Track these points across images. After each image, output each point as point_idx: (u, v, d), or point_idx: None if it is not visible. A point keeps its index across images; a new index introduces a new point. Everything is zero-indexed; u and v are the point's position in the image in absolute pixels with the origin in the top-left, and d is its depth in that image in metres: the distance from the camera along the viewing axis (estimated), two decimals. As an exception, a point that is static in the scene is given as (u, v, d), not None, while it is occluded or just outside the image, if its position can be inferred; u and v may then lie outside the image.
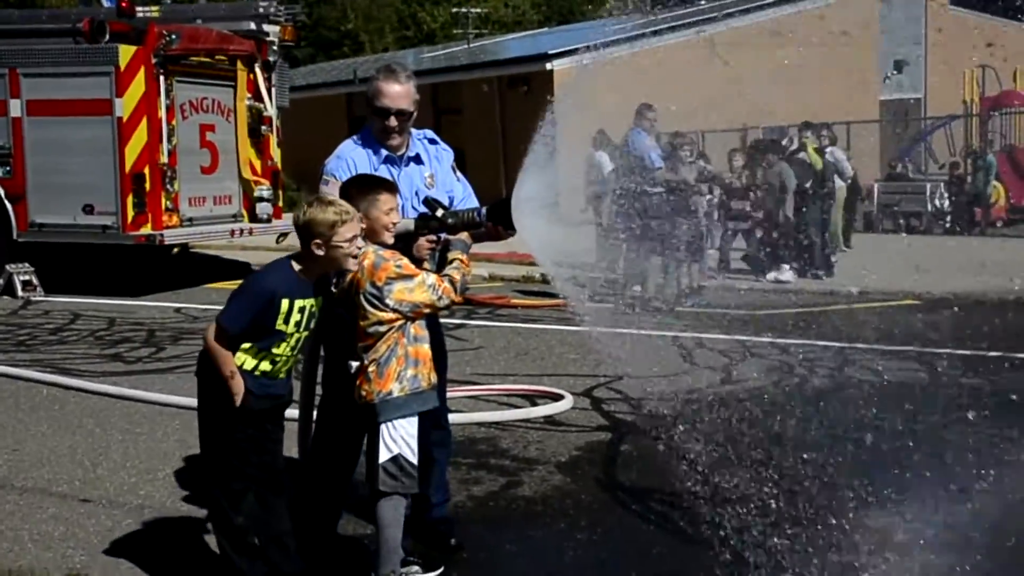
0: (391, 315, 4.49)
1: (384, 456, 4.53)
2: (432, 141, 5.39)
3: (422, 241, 4.67)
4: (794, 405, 8.03)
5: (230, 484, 4.59)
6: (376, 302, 4.47)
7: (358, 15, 64.70)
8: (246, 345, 4.44)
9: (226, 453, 4.57)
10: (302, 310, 4.46)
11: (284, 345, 4.48)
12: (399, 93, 5.07)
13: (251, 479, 4.59)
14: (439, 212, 4.68)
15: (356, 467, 5.15)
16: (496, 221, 4.78)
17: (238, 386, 4.40)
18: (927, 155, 25.89)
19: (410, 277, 4.50)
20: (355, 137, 5.24)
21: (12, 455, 6.92)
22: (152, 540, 5.46)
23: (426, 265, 4.71)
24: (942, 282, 13.59)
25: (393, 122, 5.06)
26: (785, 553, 5.15)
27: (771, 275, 14.27)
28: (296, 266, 4.47)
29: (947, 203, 20.97)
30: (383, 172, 5.08)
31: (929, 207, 21.01)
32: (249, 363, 4.46)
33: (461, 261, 4.66)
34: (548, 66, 27.50)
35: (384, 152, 5.13)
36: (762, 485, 6.16)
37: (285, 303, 4.40)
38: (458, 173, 5.44)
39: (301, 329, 4.50)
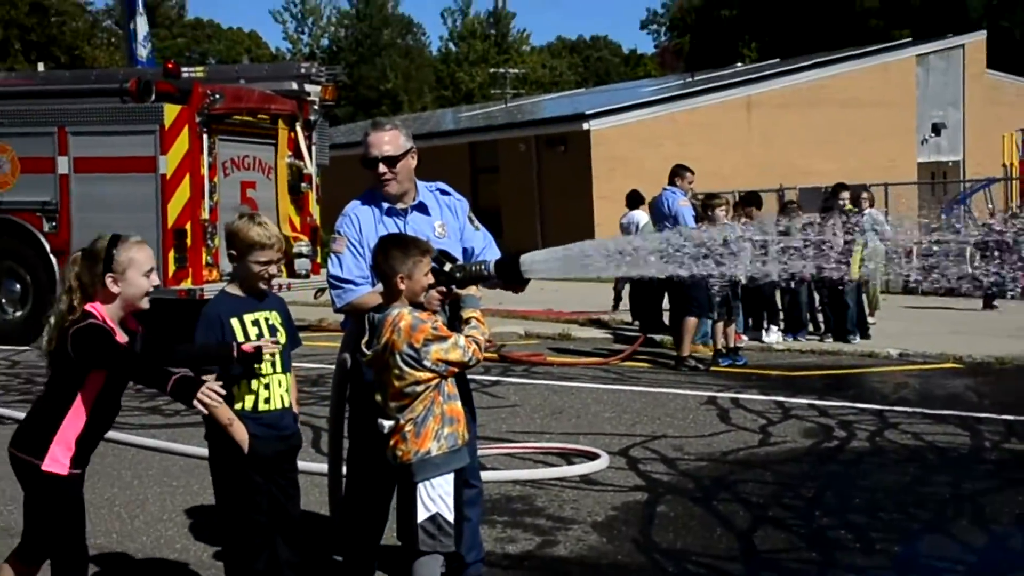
0: (428, 375, 4.51)
1: (422, 515, 4.53)
2: (444, 192, 5.41)
3: (432, 293, 4.65)
4: (833, 467, 7.99)
5: (244, 535, 4.65)
6: (413, 363, 4.49)
7: (397, 75, 65.51)
8: (235, 387, 4.58)
9: (239, 504, 4.64)
10: (255, 322, 4.67)
11: (263, 363, 4.62)
12: (382, 139, 5.11)
13: (263, 529, 4.64)
14: (447, 266, 4.72)
15: (387, 523, 5.18)
16: (503, 276, 4.84)
17: (240, 432, 4.54)
18: (967, 218, 25.75)
19: (445, 338, 4.53)
20: (363, 194, 5.28)
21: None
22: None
23: (437, 317, 4.72)
24: (983, 345, 13.49)
25: (382, 168, 5.09)
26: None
27: (765, 338, 14.16)
28: (230, 289, 4.77)
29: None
30: (389, 223, 5.13)
31: (970, 270, 20.76)
32: (248, 401, 4.61)
33: (476, 319, 4.68)
34: (585, 126, 27.72)
35: (386, 205, 5.17)
36: (800, 549, 6.13)
37: (234, 321, 4.62)
38: (476, 223, 5.44)
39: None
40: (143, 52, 20.80)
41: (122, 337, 4.33)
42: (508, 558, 5.93)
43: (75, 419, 4.26)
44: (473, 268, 4.84)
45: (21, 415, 9.39)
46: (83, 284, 4.29)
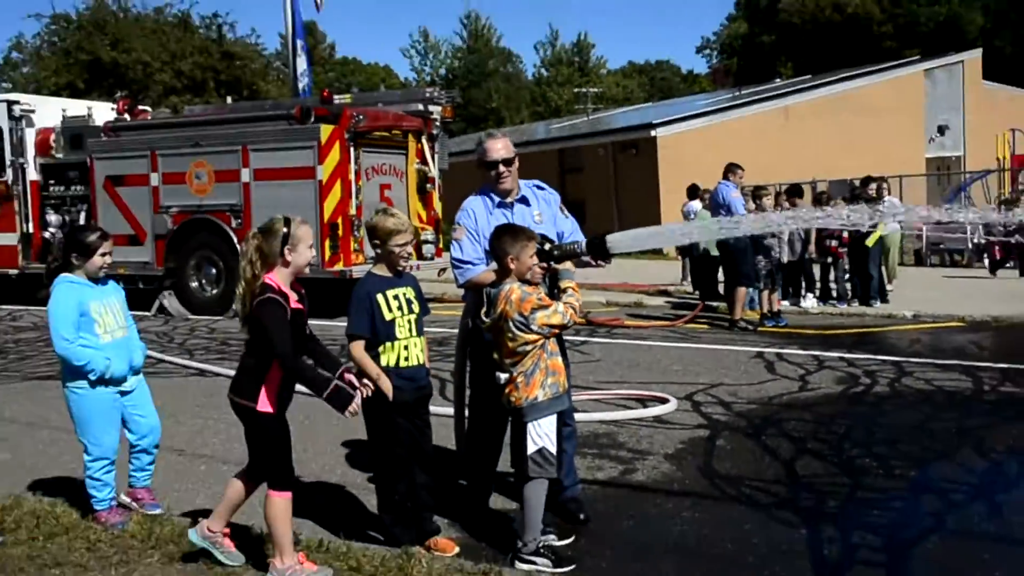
0: (535, 336, 4.54)
1: (531, 448, 4.57)
2: (539, 187, 5.43)
3: (535, 268, 4.67)
4: (860, 408, 7.83)
5: (390, 465, 4.72)
6: (523, 327, 4.52)
7: (500, 96, 65.47)
8: (381, 348, 4.60)
9: (386, 440, 4.70)
10: (396, 297, 4.69)
11: (402, 328, 4.65)
12: (499, 146, 5.19)
13: (404, 460, 4.70)
14: (546, 246, 4.73)
15: (500, 455, 5.22)
16: (593, 252, 4.83)
17: (386, 385, 4.59)
18: (967, 203, 24.99)
19: (547, 306, 4.54)
20: (477, 192, 5.31)
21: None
22: (343, 506, 5.58)
23: (540, 289, 4.71)
24: (983, 307, 13.10)
25: (502, 168, 5.15)
26: (852, 527, 5.02)
27: (803, 303, 13.85)
28: (376, 270, 4.76)
29: (983, 242, 20.14)
30: (498, 214, 5.16)
31: (969, 245, 20.22)
32: (391, 358, 4.64)
33: (572, 289, 4.67)
34: (652, 133, 27.40)
35: (497, 199, 5.21)
36: (834, 475, 6.03)
37: (380, 297, 4.64)
38: (565, 212, 5.45)
39: (405, 312, 4.70)
40: (302, 84, 21.09)
41: (293, 296, 4.40)
42: (597, 483, 5.95)
43: (275, 370, 4.35)
44: (567, 247, 4.86)
45: (217, 369, 9.73)
46: (263, 255, 4.36)
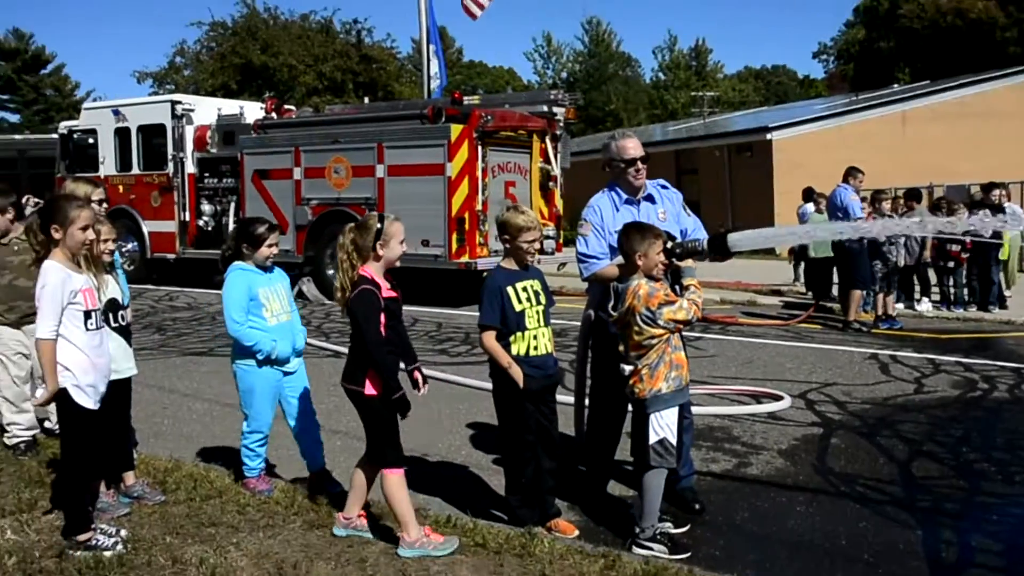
0: (660, 331, 4.50)
1: (653, 438, 4.53)
2: (663, 187, 5.39)
3: (658, 264, 4.63)
4: (977, 413, 7.48)
5: (518, 449, 4.73)
6: (650, 322, 4.49)
7: (619, 99, 64.99)
8: (512, 338, 4.62)
9: (516, 426, 4.71)
10: (525, 289, 4.69)
11: (531, 319, 4.66)
12: (637, 144, 5.19)
13: (532, 445, 4.70)
14: (668, 244, 4.67)
15: (619, 443, 5.18)
16: (714, 250, 4.77)
17: (517, 373, 4.61)
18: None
19: (673, 302, 4.50)
20: (604, 190, 5.28)
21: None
22: (468, 485, 5.64)
23: (665, 284, 4.65)
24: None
25: (640, 165, 5.12)
26: (970, 530, 4.80)
27: (918, 307, 13.26)
28: (505, 264, 4.77)
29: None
30: (625, 211, 5.13)
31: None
32: (521, 348, 4.65)
33: (695, 286, 4.61)
34: (768, 136, 26.75)
35: (624, 196, 5.17)
36: (951, 478, 5.78)
37: (510, 289, 4.64)
38: (688, 211, 5.40)
39: (534, 303, 4.70)
40: (435, 85, 21.36)
41: (385, 285, 4.48)
42: (712, 474, 5.86)
43: None
44: (689, 244, 4.82)
45: (334, 347, 9.93)
46: (358, 248, 4.46)
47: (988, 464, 6.01)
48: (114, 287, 4.95)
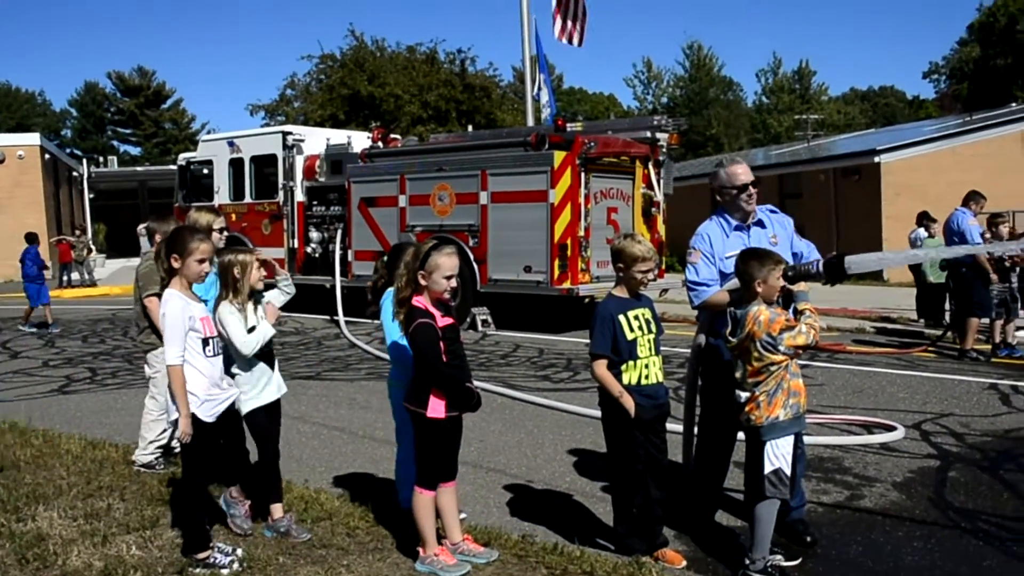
0: (781, 357, 4.41)
1: (768, 468, 4.44)
2: (773, 211, 5.32)
3: (778, 290, 4.53)
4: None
5: (627, 478, 4.68)
6: (771, 347, 4.41)
7: (720, 123, 64.34)
8: (624, 366, 4.58)
9: (625, 455, 4.66)
10: (636, 317, 4.66)
11: (642, 348, 4.63)
12: (747, 170, 5.13)
13: (641, 475, 4.65)
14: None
15: (728, 472, 5.07)
16: (829, 273, 4.71)
17: (628, 402, 4.56)
18: None
19: (793, 327, 4.41)
20: (712, 217, 5.22)
21: (479, 445, 7.28)
22: (573, 512, 5.59)
23: (785, 311, 4.56)
24: None
25: (752, 189, 5.06)
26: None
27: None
28: (616, 292, 4.74)
29: None
30: (735, 237, 5.06)
31: None
32: (633, 376, 4.61)
33: (810, 310, 4.50)
34: (876, 159, 26.00)
35: (734, 222, 5.11)
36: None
37: (622, 318, 4.62)
38: (799, 236, 5.33)
39: (645, 332, 4.66)
40: (545, 115, 21.47)
41: (438, 313, 4.49)
42: (823, 506, 5.69)
43: None
44: (803, 268, 4.76)
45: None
46: (409, 273, 4.49)
47: (1122, 503, 5.66)
48: (252, 316, 4.95)
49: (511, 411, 8.62)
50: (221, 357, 4.70)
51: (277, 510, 5.07)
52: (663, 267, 15.22)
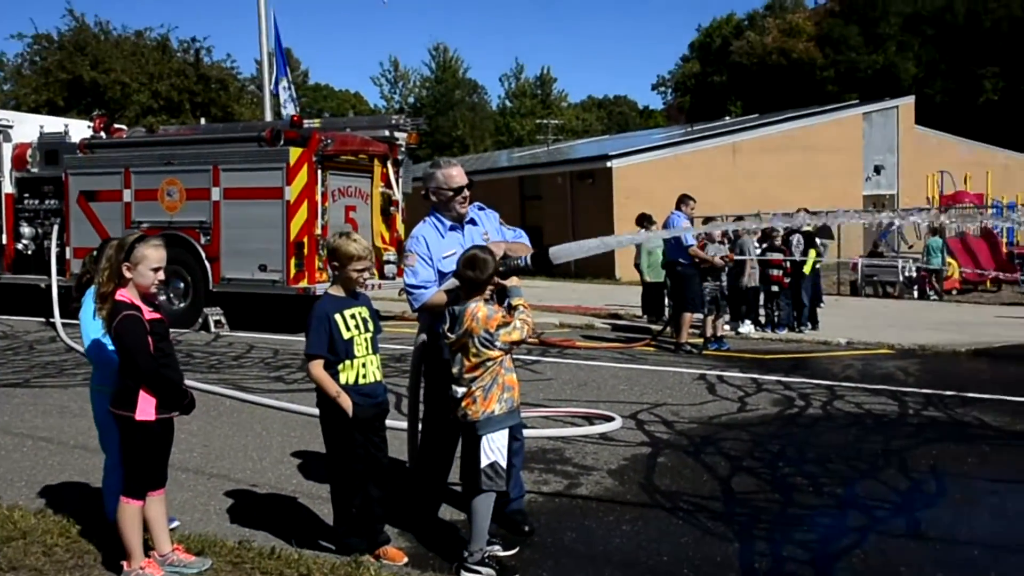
0: (497, 353, 4.55)
1: (484, 462, 4.55)
2: (481, 208, 5.47)
3: (492, 286, 4.68)
4: (794, 429, 7.91)
5: (346, 478, 4.67)
6: (488, 343, 4.53)
7: (465, 125, 65.65)
8: (341, 366, 4.58)
9: (344, 455, 4.66)
10: (353, 316, 4.66)
11: (359, 347, 4.62)
12: (461, 172, 5.25)
13: (360, 474, 4.66)
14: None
15: (451, 468, 5.19)
16: (538, 265, 4.94)
17: (346, 402, 4.56)
18: (899, 238, 25.45)
19: (508, 323, 4.56)
20: (426, 219, 5.31)
21: (203, 450, 7.02)
22: (296, 515, 5.52)
23: (501, 308, 4.72)
24: (911, 336, 13.33)
25: (466, 192, 5.20)
26: (782, 541, 5.06)
27: (739, 328, 13.99)
28: (332, 291, 4.73)
29: (914, 275, 20.55)
30: (451, 237, 5.20)
31: (901, 278, 20.58)
32: (350, 376, 4.60)
33: (523, 305, 4.68)
34: (609, 164, 27.58)
35: (448, 223, 5.23)
36: (767, 491, 6.08)
37: (338, 317, 4.60)
38: (507, 226, 5.51)
39: (362, 330, 4.66)
40: (287, 112, 20.84)
41: (147, 308, 4.36)
42: (543, 496, 5.95)
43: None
44: (513, 263, 4.89)
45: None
46: (113, 265, 4.33)
47: (800, 478, 6.36)
48: None
49: (239, 414, 8.37)
50: None
51: None
52: (401, 265, 15.26)
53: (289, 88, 21.43)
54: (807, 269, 14.08)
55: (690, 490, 6.05)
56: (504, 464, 4.61)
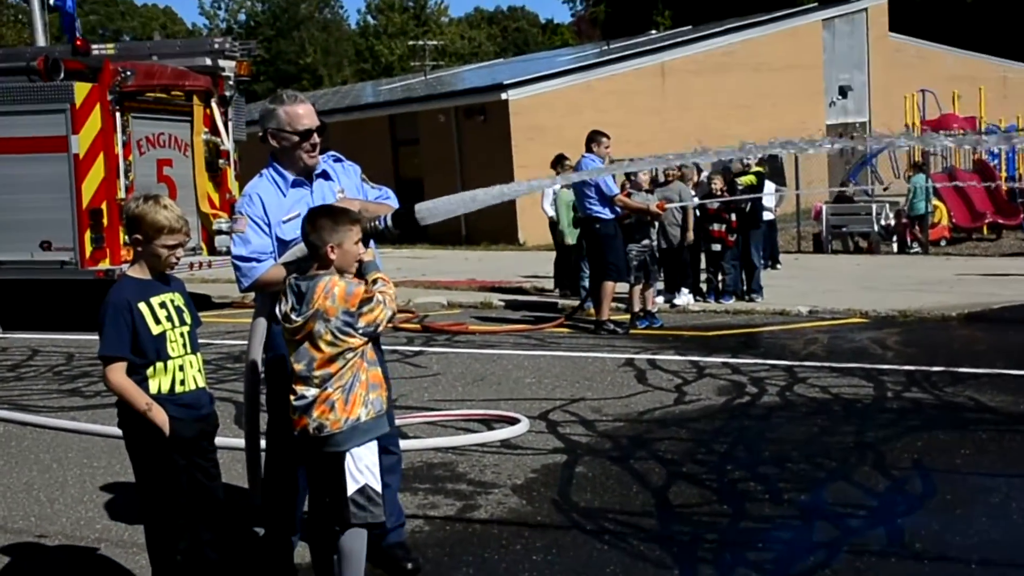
0: (359, 341, 4.49)
1: (352, 488, 4.48)
2: (337, 160, 5.47)
3: (358, 256, 4.67)
4: (745, 422, 8.10)
5: (166, 518, 4.58)
6: (350, 329, 4.46)
7: (316, 49, 64.89)
8: (150, 370, 4.46)
9: (161, 488, 4.55)
10: (163, 305, 4.55)
11: (174, 345, 4.51)
12: (310, 111, 5.20)
13: (185, 511, 4.57)
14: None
15: (307, 495, 5.15)
16: (400, 226, 4.97)
17: (160, 416, 4.41)
18: (873, 177, 26.21)
19: (370, 299, 4.51)
20: (262, 172, 5.27)
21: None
22: (101, 571, 5.42)
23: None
24: (888, 299, 13.78)
25: (316, 138, 5.17)
26: (732, 564, 5.19)
27: (674, 300, 14.30)
28: (135, 272, 4.62)
29: (893, 223, 21.24)
30: (294, 194, 5.16)
31: (876, 228, 21.20)
32: (164, 383, 4.49)
33: (382, 278, 4.65)
34: (503, 96, 27.65)
35: (291, 177, 5.19)
36: (712, 503, 6.22)
37: (143, 306, 4.48)
38: (369, 183, 5.52)
39: (177, 324, 4.56)
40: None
41: None
42: (430, 523, 5.97)
43: None
44: (369, 226, 4.87)
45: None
46: None
47: (754, 483, 6.53)
48: None
49: (20, 442, 8.17)
50: None
51: None
52: (231, 231, 15.06)
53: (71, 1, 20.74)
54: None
55: (617, 506, 6.14)
56: (378, 487, 4.58)
